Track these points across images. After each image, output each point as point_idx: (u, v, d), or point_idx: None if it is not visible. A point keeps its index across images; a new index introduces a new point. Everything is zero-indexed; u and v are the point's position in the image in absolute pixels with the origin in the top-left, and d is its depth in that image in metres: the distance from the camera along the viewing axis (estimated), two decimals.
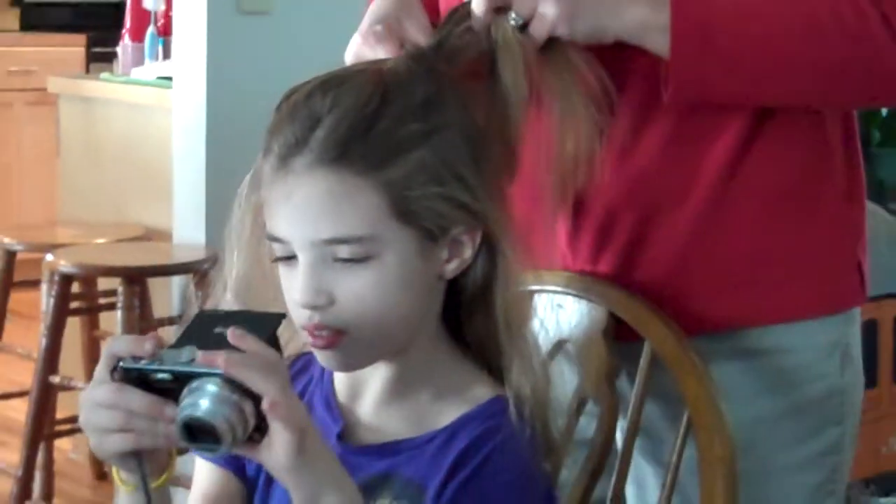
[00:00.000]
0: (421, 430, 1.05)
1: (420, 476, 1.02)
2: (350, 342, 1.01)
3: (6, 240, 3.13)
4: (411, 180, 1.00)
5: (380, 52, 1.17)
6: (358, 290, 0.99)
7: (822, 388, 1.32)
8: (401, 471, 1.04)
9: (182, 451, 1.05)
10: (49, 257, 2.93)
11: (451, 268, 1.04)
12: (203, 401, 0.90)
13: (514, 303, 1.06)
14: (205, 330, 0.94)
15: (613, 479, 1.25)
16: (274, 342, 0.95)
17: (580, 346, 1.30)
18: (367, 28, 1.20)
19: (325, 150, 0.97)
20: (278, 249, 1.01)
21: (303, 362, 1.13)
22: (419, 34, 1.17)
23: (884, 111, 3.56)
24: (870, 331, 2.70)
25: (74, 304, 3.10)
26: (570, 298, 1.29)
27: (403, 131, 1.00)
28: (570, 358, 1.33)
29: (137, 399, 0.90)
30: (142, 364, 0.91)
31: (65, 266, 2.88)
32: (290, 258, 1.00)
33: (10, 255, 3.13)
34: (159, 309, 3.15)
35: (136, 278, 2.90)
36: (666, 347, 1.23)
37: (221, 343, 0.91)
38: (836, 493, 1.36)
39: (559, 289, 1.30)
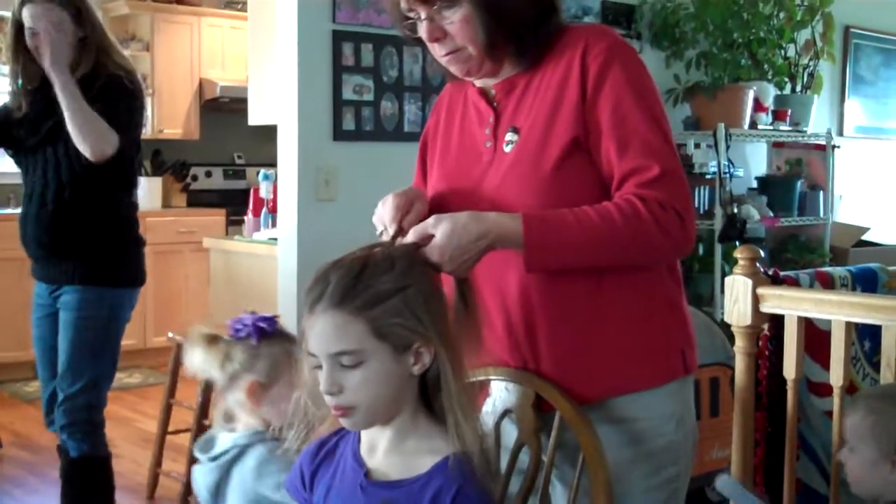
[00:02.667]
0: (410, 474, 1.35)
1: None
2: (356, 413, 1.35)
3: (177, 337, 3.92)
4: (385, 317, 1.32)
5: (381, 227, 1.53)
6: (356, 383, 1.33)
7: (664, 442, 1.62)
8: (400, 500, 1.34)
9: None
10: None
11: (417, 368, 1.36)
12: None
13: (462, 388, 1.36)
14: None
15: (540, 493, 1.59)
16: None
17: (518, 413, 1.63)
18: (384, 209, 1.54)
19: (331, 299, 1.32)
20: (313, 361, 1.35)
21: (340, 434, 1.45)
22: (387, 213, 1.52)
23: (700, 250, 4.49)
24: (694, 386, 3.46)
25: None
26: (511, 384, 1.64)
27: (380, 288, 1.33)
28: (512, 420, 1.66)
29: None
30: None
31: None
32: (319, 367, 1.34)
33: (179, 346, 3.85)
34: None
35: None
36: (568, 414, 1.56)
37: None
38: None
39: (504, 378, 1.64)
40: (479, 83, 1.68)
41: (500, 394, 1.66)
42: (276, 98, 3.95)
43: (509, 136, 1.61)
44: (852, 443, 1.96)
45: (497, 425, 1.67)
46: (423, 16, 1.56)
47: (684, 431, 1.66)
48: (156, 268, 6.46)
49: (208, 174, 7.41)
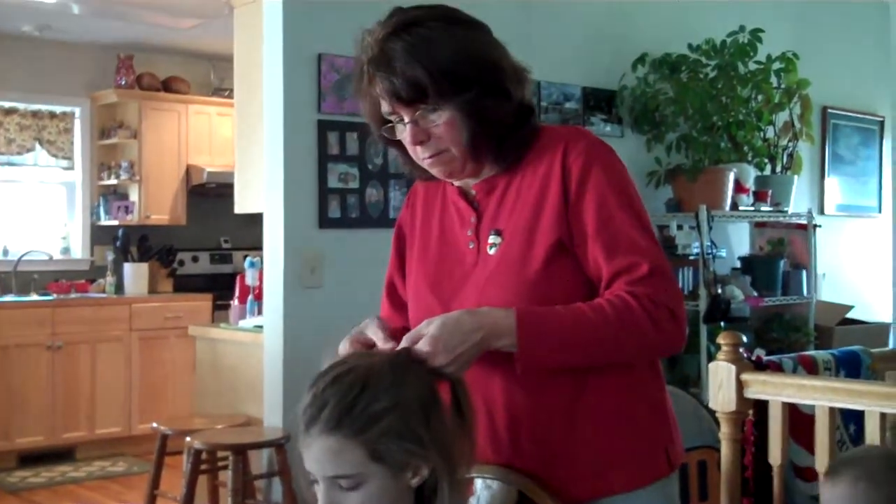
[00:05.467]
0: None
1: None
2: None
3: (162, 427, 3.97)
4: (382, 440, 1.32)
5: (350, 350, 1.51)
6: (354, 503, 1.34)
7: None
8: None
9: None
10: (188, 438, 3.67)
11: (415, 482, 1.37)
12: None
13: (457, 497, 1.40)
14: None
15: None
16: None
17: None
18: (370, 331, 1.53)
19: (326, 424, 1.33)
20: (311, 476, 1.37)
21: None
22: (375, 336, 1.50)
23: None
24: (682, 469, 3.51)
25: (204, 466, 3.83)
26: (495, 482, 1.64)
27: (376, 408, 1.33)
28: None
29: None
30: None
31: (197, 444, 3.63)
32: (316, 482, 1.36)
33: (164, 436, 3.95)
34: (255, 469, 3.83)
35: (240, 450, 3.61)
36: None
37: None
38: None
39: (487, 475, 1.64)
40: (458, 183, 1.71)
41: (484, 492, 1.66)
42: (263, 186, 4.01)
43: (492, 239, 1.62)
44: None
45: None
46: (406, 119, 1.57)
47: None
48: (142, 354, 6.55)
49: (195, 259, 7.44)
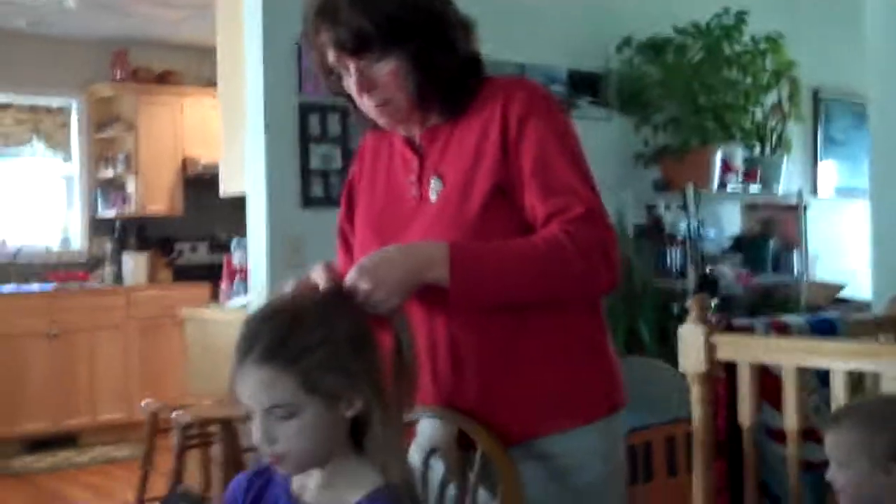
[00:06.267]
0: None
1: None
2: (290, 461, 1.38)
3: (151, 404, 4.01)
4: (314, 371, 1.34)
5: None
6: (289, 434, 1.35)
7: (589, 478, 1.65)
8: None
9: None
10: (175, 413, 3.73)
11: (349, 414, 1.39)
12: None
13: (391, 428, 1.40)
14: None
15: None
16: None
17: (444, 450, 1.69)
18: (314, 273, 1.51)
19: (260, 356, 1.34)
20: (245, 409, 1.37)
21: (269, 472, 1.46)
22: (319, 278, 1.49)
23: (675, 309, 4.52)
24: (670, 441, 3.49)
25: (194, 442, 3.89)
26: (437, 421, 1.68)
27: (307, 340, 1.34)
28: (438, 457, 1.70)
29: None
30: None
31: (186, 418, 3.70)
32: (250, 417, 1.37)
33: (154, 414, 3.96)
34: (244, 442, 3.73)
35: (227, 423, 3.69)
36: (489, 449, 1.61)
37: None
38: None
39: (429, 416, 1.68)
40: (404, 132, 1.74)
41: (426, 431, 1.69)
42: (246, 169, 4.06)
43: (434, 185, 1.66)
44: (841, 459, 1.98)
45: (424, 462, 1.69)
46: (352, 69, 1.60)
47: (611, 467, 1.69)
48: (143, 342, 6.63)
49: (193, 249, 7.49)
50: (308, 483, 1.43)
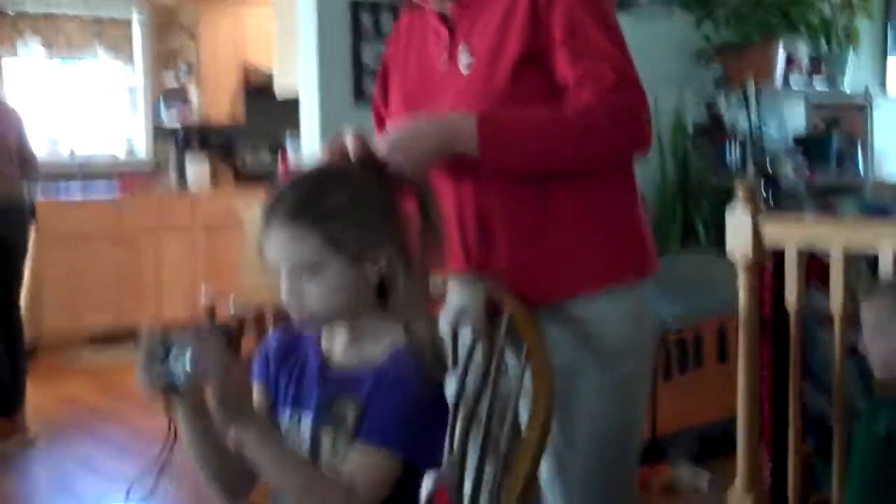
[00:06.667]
0: (365, 364, 1.41)
1: (362, 390, 1.38)
2: (317, 319, 1.41)
3: (206, 291, 4.31)
4: (339, 228, 1.36)
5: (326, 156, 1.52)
6: (315, 291, 1.37)
7: (617, 341, 1.65)
8: (350, 388, 1.40)
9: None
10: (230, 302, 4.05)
11: (374, 273, 1.40)
12: (178, 365, 1.26)
13: (417, 288, 1.42)
14: (202, 329, 1.28)
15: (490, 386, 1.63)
16: (232, 341, 1.27)
17: (472, 315, 1.70)
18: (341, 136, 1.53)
19: (286, 215, 1.37)
20: (272, 266, 1.39)
21: (298, 332, 1.48)
22: (350, 144, 1.49)
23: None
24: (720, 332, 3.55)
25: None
26: (465, 288, 1.70)
27: (334, 201, 1.37)
28: (467, 323, 1.72)
29: (146, 356, 1.31)
30: (152, 341, 1.28)
31: (239, 308, 3.95)
32: (278, 273, 1.38)
33: (211, 306, 4.25)
34: None
35: (281, 315, 3.80)
36: (515, 312, 1.61)
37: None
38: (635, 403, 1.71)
39: (458, 282, 1.71)
40: (437, 7, 1.73)
41: (454, 298, 1.70)
42: (299, 67, 4.08)
43: (463, 55, 1.65)
44: (876, 329, 1.99)
45: (452, 328, 1.71)
46: None
47: (640, 329, 1.69)
48: (206, 245, 6.72)
49: (255, 156, 7.55)
50: (335, 341, 1.46)
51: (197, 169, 7.10)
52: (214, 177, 7.18)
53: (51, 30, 7.03)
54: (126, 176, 7.07)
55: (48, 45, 7.02)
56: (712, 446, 3.51)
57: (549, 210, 1.63)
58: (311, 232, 1.36)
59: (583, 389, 1.65)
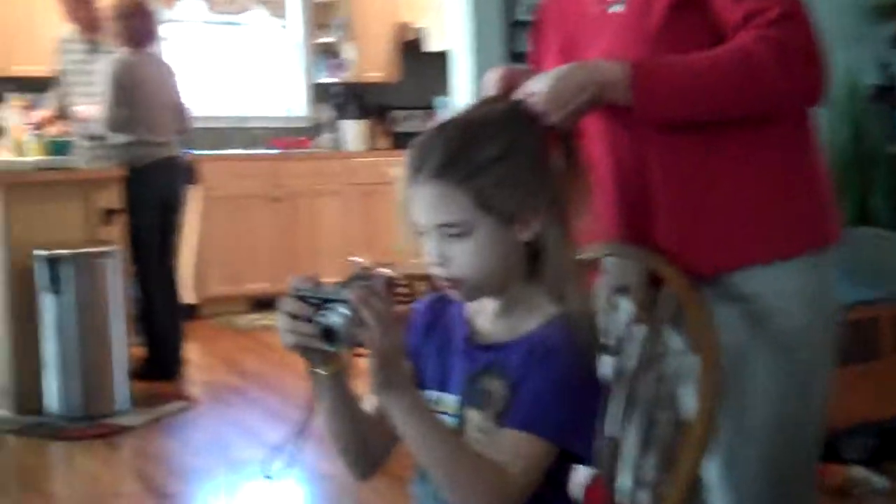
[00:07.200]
0: (515, 336, 1.33)
1: (511, 365, 1.29)
2: (465, 285, 1.31)
3: (356, 259, 4.35)
4: (489, 187, 1.27)
5: (493, 89, 1.50)
6: (463, 254, 1.28)
7: (792, 324, 1.53)
8: (499, 362, 1.31)
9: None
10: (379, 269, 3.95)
11: (524, 237, 1.30)
12: (333, 315, 1.16)
13: (570, 253, 1.33)
14: (355, 281, 1.18)
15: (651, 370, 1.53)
16: (387, 293, 1.18)
17: (632, 289, 1.60)
18: (489, 76, 1.53)
19: (434, 170, 1.27)
20: (417, 229, 1.31)
21: (447, 299, 1.39)
22: (495, 86, 1.50)
23: None
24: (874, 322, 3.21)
25: (401, 300, 3.94)
26: (623, 260, 1.60)
27: (484, 155, 1.27)
28: (626, 296, 1.61)
29: (296, 308, 1.19)
30: (303, 291, 1.19)
31: (390, 272, 3.95)
32: (424, 234, 1.30)
33: (361, 271, 4.22)
34: None
35: (430, 280, 3.87)
36: (679, 289, 1.50)
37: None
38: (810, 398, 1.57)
39: (616, 254, 1.60)
40: None
41: (614, 269, 1.60)
42: (451, 25, 3.98)
43: (617, 3, 1.56)
44: None
45: (610, 301, 1.60)
46: None
47: (817, 312, 1.55)
48: (362, 207, 6.73)
49: (410, 116, 7.48)
50: (483, 310, 1.37)
51: (353, 130, 7.09)
52: (370, 138, 7.16)
53: None
54: (283, 135, 7.11)
55: (207, 3, 7.11)
56: (891, 445, 3.28)
57: (713, 161, 1.51)
58: (459, 190, 1.26)
59: (755, 374, 1.53)
